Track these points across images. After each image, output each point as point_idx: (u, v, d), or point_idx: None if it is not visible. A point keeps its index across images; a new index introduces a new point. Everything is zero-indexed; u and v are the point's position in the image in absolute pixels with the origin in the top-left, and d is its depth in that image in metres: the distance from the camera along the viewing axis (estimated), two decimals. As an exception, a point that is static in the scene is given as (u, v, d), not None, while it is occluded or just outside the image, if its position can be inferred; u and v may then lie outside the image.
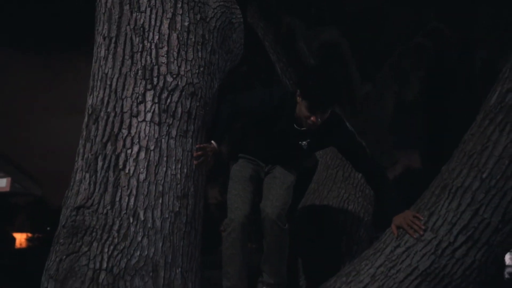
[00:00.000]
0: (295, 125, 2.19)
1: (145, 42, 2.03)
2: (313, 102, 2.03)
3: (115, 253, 1.77)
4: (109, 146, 1.90)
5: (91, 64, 2.12)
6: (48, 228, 23.06)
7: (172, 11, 2.09)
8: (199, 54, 2.11)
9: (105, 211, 1.82)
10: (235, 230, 2.12)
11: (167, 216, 1.89)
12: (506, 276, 11.54)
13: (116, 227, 1.81)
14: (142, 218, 1.84)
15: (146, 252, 1.82)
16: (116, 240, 1.79)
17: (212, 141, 2.12)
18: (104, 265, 1.74)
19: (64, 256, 1.77)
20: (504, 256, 2.06)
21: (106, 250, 1.76)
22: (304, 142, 2.23)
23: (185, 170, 1.98)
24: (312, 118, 2.07)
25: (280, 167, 2.37)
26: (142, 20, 2.06)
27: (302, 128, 2.18)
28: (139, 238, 1.82)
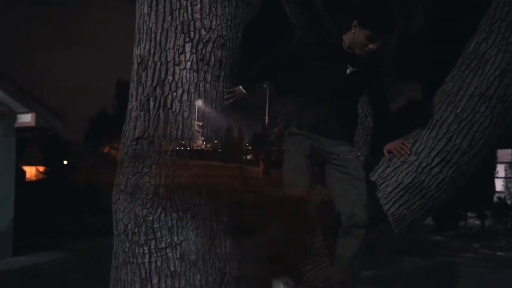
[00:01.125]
0: (348, 51, 2.33)
1: (182, 0, 2.40)
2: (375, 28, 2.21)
3: (169, 173, 2.30)
4: (158, 90, 2.35)
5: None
6: (57, 162, 23.84)
7: (202, -30, 2.42)
8: (226, 9, 2.48)
9: (159, 141, 2.32)
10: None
11: (206, 145, 2.40)
12: (495, 200, 12.42)
13: (168, 154, 2.32)
14: (188, 148, 2.35)
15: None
16: (169, 163, 2.30)
17: (240, 86, 2.55)
18: (162, 181, 2.28)
19: (131, 175, 2.30)
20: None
21: (162, 171, 2.29)
22: (351, 68, 2.34)
23: (219, 109, 2.45)
24: (370, 46, 2.25)
25: (351, 162, 2.34)
26: (178, -20, 2.39)
27: (355, 59, 2.33)
28: (186, 162, 2.34)
